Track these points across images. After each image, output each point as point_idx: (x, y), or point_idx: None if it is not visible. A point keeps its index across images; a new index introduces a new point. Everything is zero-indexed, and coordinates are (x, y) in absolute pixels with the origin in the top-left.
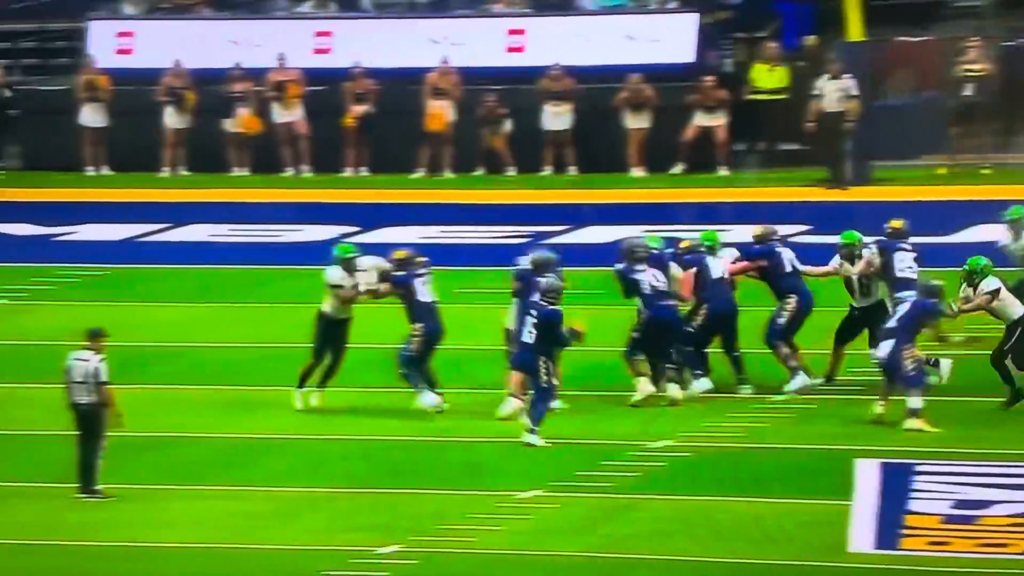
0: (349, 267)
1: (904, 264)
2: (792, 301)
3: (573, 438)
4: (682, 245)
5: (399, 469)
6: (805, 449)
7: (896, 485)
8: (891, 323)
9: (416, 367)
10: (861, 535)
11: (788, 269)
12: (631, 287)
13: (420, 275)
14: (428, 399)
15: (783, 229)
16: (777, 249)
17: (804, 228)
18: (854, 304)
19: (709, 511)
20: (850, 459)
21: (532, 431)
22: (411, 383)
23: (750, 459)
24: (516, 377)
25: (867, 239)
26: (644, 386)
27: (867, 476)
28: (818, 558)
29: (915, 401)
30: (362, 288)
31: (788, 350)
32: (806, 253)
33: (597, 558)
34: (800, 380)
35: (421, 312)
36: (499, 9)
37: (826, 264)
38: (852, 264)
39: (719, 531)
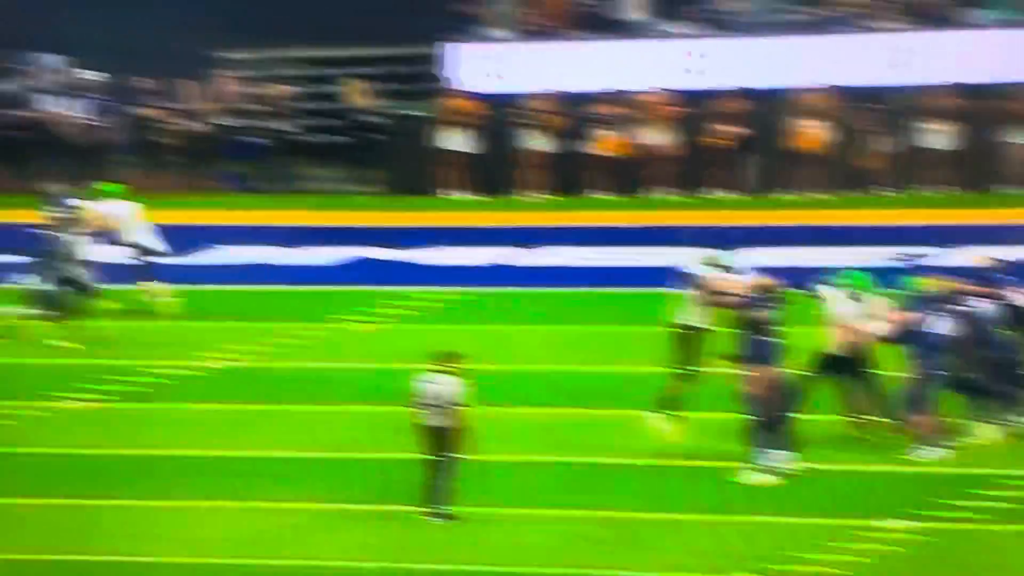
0: (719, 270)
1: None
2: None
3: (938, 466)
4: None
5: (756, 495)
6: None
7: None
8: None
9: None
10: None
11: None
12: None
13: (772, 307)
14: (756, 477)
15: None
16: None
17: None
18: None
19: None
20: None
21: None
22: (752, 443)
23: None
24: None
25: None
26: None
27: None
28: None
29: None
30: (727, 299)
31: None
32: None
33: None
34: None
35: (757, 348)
36: (880, 25)
37: None
38: None
39: None
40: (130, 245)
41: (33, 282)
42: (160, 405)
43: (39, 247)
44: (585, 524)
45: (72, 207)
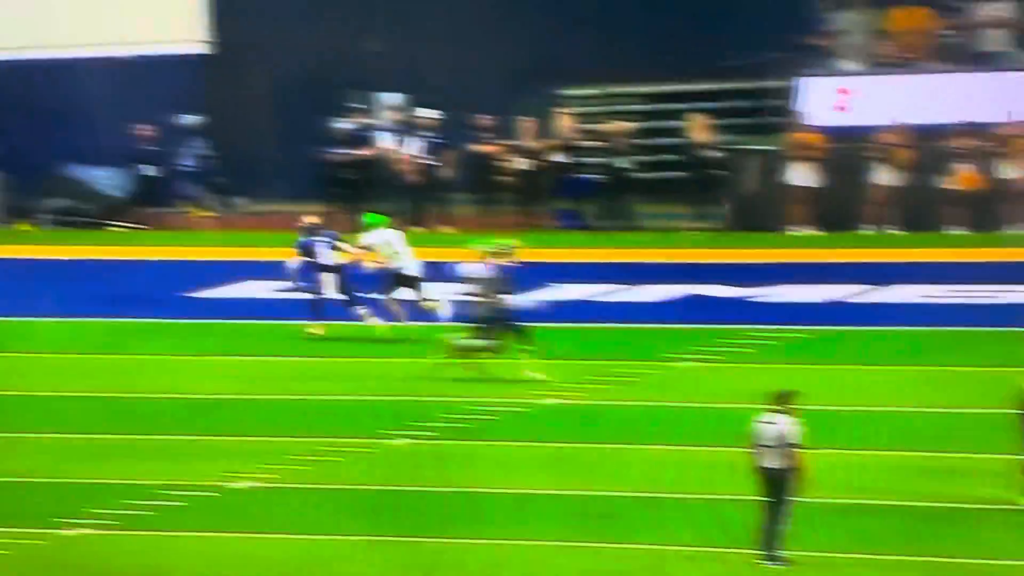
0: None
1: None
2: None
3: None
4: None
5: None
6: None
7: None
8: None
9: None
10: None
11: None
12: None
13: None
14: None
15: None
16: None
17: None
18: None
19: None
20: None
21: None
22: None
23: None
24: None
25: None
26: None
27: None
28: None
29: None
30: None
31: None
32: None
33: None
34: None
35: None
36: None
37: None
38: None
39: None
40: (398, 274)
41: (477, 315)
42: (489, 442)
43: (475, 281)
44: (928, 571)
45: (333, 239)
